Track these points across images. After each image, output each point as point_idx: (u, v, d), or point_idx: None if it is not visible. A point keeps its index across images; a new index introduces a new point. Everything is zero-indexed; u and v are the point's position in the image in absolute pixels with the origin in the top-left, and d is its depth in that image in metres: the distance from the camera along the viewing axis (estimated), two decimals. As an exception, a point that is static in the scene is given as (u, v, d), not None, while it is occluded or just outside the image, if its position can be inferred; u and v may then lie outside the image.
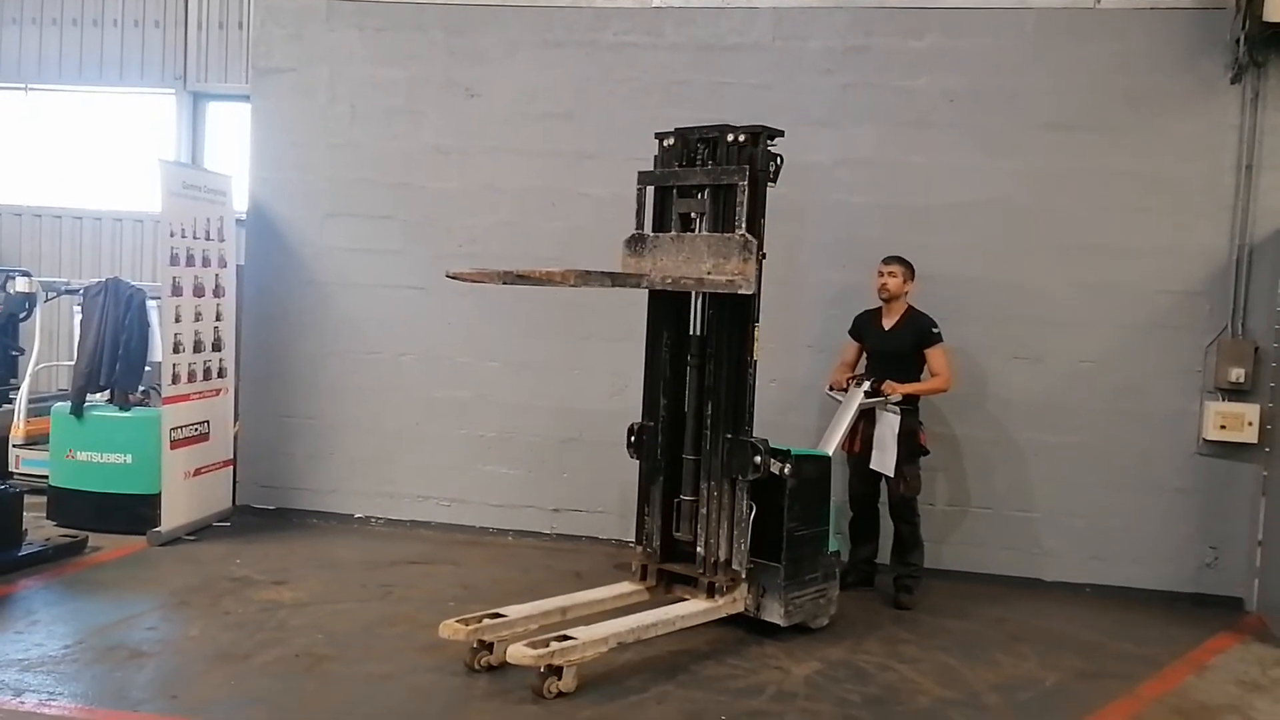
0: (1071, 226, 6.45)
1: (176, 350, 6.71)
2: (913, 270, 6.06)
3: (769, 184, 5.21)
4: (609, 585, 5.46)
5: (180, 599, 5.64)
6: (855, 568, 6.23)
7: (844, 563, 5.97)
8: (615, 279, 5.04)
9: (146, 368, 7.26)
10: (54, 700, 4.31)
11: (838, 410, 5.90)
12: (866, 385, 5.87)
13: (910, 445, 5.92)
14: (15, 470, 7.48)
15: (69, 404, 6.96)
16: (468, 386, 7.20)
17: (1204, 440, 6.33)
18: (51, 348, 8.42)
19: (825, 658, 5.13)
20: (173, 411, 6.70)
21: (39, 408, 7.62)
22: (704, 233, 5.29)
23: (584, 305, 6.77)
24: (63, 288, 7.96)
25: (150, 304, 7.16)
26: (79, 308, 7.28)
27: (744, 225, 5.06)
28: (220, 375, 7.19)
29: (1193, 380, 6.37)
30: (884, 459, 5.85)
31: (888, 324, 6.09)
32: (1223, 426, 6.24)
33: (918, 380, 5.98)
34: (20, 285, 7.73)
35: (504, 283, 4.74)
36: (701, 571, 5.25)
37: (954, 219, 6.55)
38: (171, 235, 6.68)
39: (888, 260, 6.05)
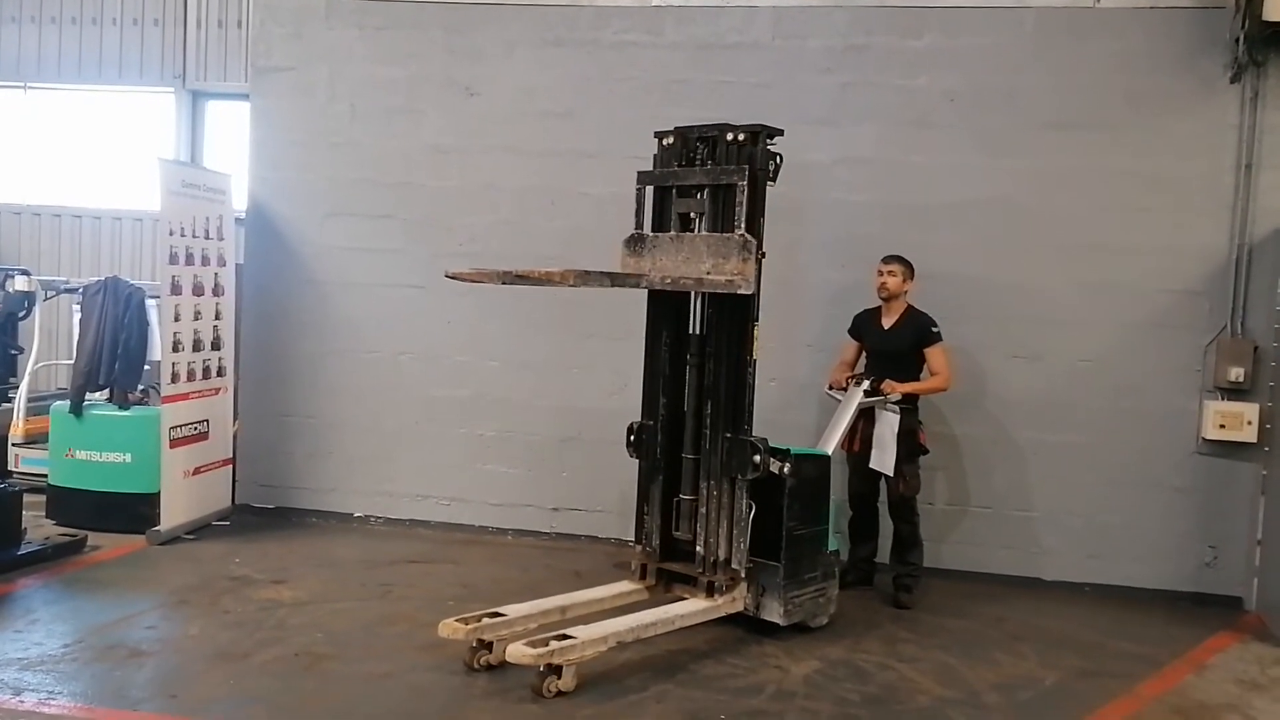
0: (1071, 226, 6.45)
1: (176, 349, 6.71)
2: (912, 269, 6.06)
3: (768, 183, 5.21)
4: (608, 584, 5.46)
5: (179, 598, 5.64)
6: (855, 567, 6.23)
7: (843, 562, 5.97)
8: (615, 279, 5.04)
9: (146, 366, 7.27)
10: (53, 699, 4.31)
11: (837, 409, 5.90)
12: (866, 384, 5.86)
13: (910, 444, 5.92)
14: (14, 469, 7.48)
15: (68, 403, 6.95)
16: (467, 385, 7.20)
17: (1203, 439, 6.33)
18: (51, 346, 8.41)
19: (825, 657, 5.13)
20: (172, 410, 6.70)
21: (38, 406, 7.62)
22: (703, 232, 5.29)
23: (583, 304, 6.77)
24: (62, 286, 7.97)
25: (149, 303, 7.16)
26: (78, 306, 7.28)
27: (743, 225, 5.06)
28: (219, 374, 7.19)
29: (1192, 379, 6.37)
30: (883, 458, 5.85)
31: (887, 323, 6.09)
32: (1222, 426, 6.24)
33: (917, 379, 5.98)
34: (19, 284, 7.76)
35: (503, 283, 4.74)
36: (701, 570, 5.25)
37: (953, 218, 6.55)
38: (171, 234, 6.68)
39: (887, 259, 6.05)
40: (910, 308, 6.07)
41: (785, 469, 5.24)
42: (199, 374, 6.96)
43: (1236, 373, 6.23)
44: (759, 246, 5.09)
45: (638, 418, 5.52)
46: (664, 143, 5.45)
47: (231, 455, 7.37)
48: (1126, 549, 6.46)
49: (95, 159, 9.87)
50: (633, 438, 5.52)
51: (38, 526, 6.54)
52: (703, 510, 5.26)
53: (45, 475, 7.07)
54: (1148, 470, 6.42)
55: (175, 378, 6.71)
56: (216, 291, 7.13)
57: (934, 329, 5.97)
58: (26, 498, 6.34)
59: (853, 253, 6.52)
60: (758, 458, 5.10)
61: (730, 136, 5.20)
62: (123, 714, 4.24)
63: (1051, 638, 5.60)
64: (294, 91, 7.34)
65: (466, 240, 7.10)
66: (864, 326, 6.18)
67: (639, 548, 5.52)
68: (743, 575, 5.22)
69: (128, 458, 6.82)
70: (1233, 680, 5.12)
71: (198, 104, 9.76)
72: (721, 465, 5.19)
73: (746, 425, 5.18)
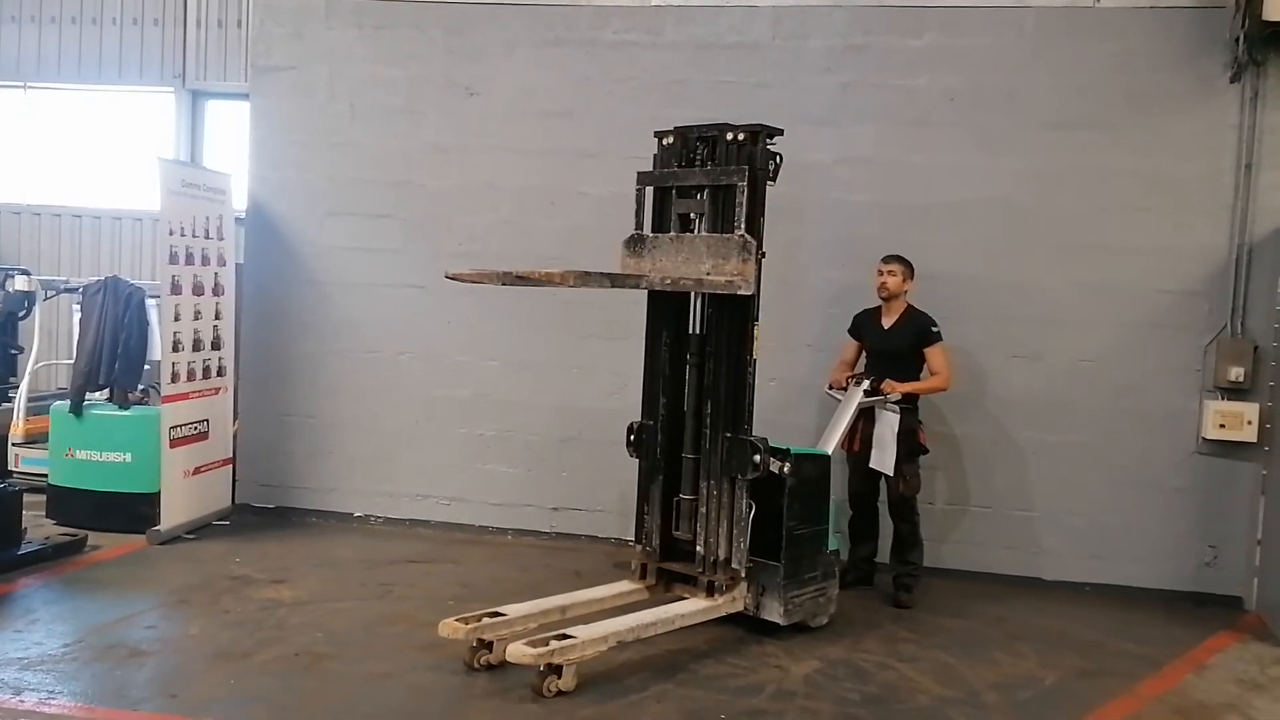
0: (1071, 225, 6.45)
1: (176, 349, 6.71)
2: (912, 269, 6.06)
3: (768, 183, 5.21)
4: (608, 584, 5.46)
5: (180, 597, 5.64)
6: (855, 566, 6.23)
7: (843, 561, 5.97)
8: (615, 280, 5.05)
9: (146, 366, 7.27)
10: (53, 699, 4.31)
11: (837, 409, 5.90)
12: (866, 384, 5.87)
13: (910, 444, 5.93)
14: (15, 469, 7.49)
15: (68, 402, 6.95)
16: (467, 385, 7.20)
17: (1203, 439, 6.33)
18: (51, 346, 8.41)
19: (824, 656, 5.13)
20: (172, 410, 6.70)
21: (38, 406, 7.62)
22: (703, 233, 5.28)
23: (583, 304, 6.77)
24: (62, 286, 7.97)
25: (149, 302, 7.16)
26: (78, 306, 7.28)
27: (743, 225, 5.05)
28: (219, 374, 7.19)
29: (1192, 379, 6.37)
30: (883, 458, 5.85)
31: (887, 323, 6.09)
32: (1222, 425, 6.24)
33: (917, 379, 5.98)
34: (19, 284, 7.76)
35: (503, 284, 4.74)
36: (701, 570, 5.25)
37: (953, 218, 6.55)
38: (171, 234, 6.68)
39: (887, 259, 6.05)
40: (910, 307, 6.07)
41: (785, 469, 5.24)
42: (199, 374, 6.96)
43: (1236, 372, 6.23)
44: (759, 246, 5.09)
45: (638, 417, 5.52)
46: (664, 142, 5.45)
47: (231, 455, 7.37)
48: (1127, 549, 6.46)
49: (95, 159, 9.87)
50: (633, 437, 5.52)
51: (38, 526, 6.54)
52: (703, 510, 5.25)
53: (45, 475, 7.07)
54: (1148, 470, 6.42)
55: (175, 377, 6.71)
56: (216, 291, 7.13)
57: (934, 329, 5.97)
58: (27, 497, 6.34)
59: (853, 252, 6.52)
60: (758, 457, 5.10)
61: (730, 136, 5.20)
62: (123, 713, 4.24)
63: (1051, 637, 5.60)
64: (294, 91, 7.34)
65: (466, 240, 7.10)
66: (864, 326, 6.18)
67: (639, 547, 5.52)
68: (743, 575, 5.22)
69: (128, 457, 6.82)
70: (1233, 680, 5.12)
71: (198, 103, 9.76)
72: (721, 465, 5.19)
73: (746, 425, 5.18)
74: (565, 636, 4.56)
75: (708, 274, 5.13)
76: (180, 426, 6.76)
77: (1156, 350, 6.39)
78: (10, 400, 7.80)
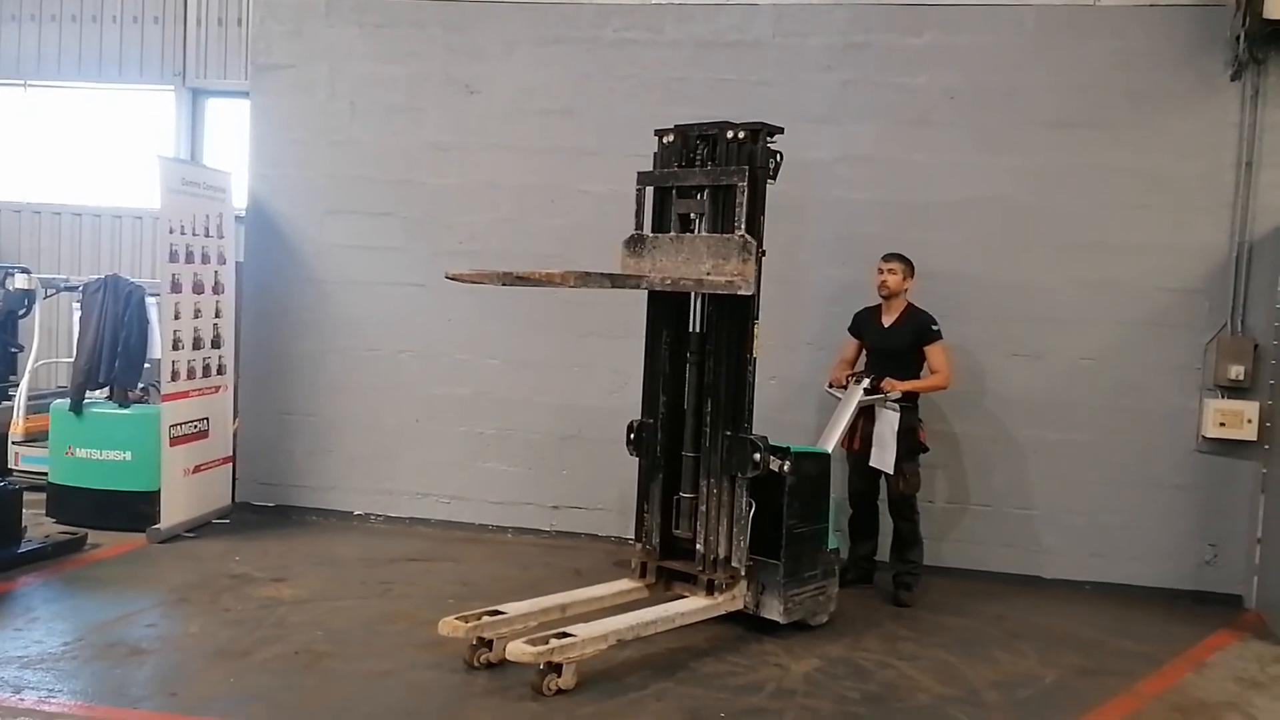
0: (1071, 224, 6.45)
1: (176, 347, 6.71)
2: (912, 267, 6.06)
3: (769, 181, 5.21)
4: (608, 582, 5.46)
5: (180, 596, 5.64)
6: (854, 565, 6.23)
7: (843, 560, 5.97)
8: (615, 280, 5.04)
9: (146, 364, 7.27)
10: (53, 697, 4.31)
11: (837, 407, 5.90)
12: (866, 382, 5.87)
13: (910, 442, 5.92)
14: (15, 467, 7.49)
15: (68, 401, 6.96)
16: (467, 384, 7.20)
17: (1203, 437, 6.33)
18: (51, 345, 8.40)
19: (824, 655, 5.13)
20: (172, 408, 6.70)
21: (38, 405, 7.62)
22: (703, 233, 5.28)
23: (583, 303, 6.77)
24: (62, 284, 7.96)
25: (149, 301, 7.16)
26: (78, 304, 7.28)
27: (743, 225, 5.05)
28: (220, 372, 7.19)
29: (1192, 377, 6.37)
30: (883, 456, 5.85)
31: (887, 321, 6.09)
32: (1222, 424, 6.24)
33: (917, 377, 5.98)
34: (19, 282, 7.75)
35: (503, 284, 4.74)
36: (701, 569, 5.25)
37: (954, 216, 6.55)
38: (171, 232, 6.68)
39: (887, 257, 6.05)
40: (910, 306, 6.07)
41: (785, 467, 5.24)
42: (199, 372, 6.96)
43: (1236, 371, 6.23)
44: (759, 246, 5.08)
45: (638, 416, 5.52)
46: (664, 141, 5.45)
47: (231, 453, 7.37)
48: (1126, 547, 6.46)
49: (95, 157, 9.86)
50: (633, 436, 5.52)
51: (38, 524, 6.54)
52: (703, 508, 5.25)
53: (45, 473, 7.07)
54: (1148, 468, 6.42)
55: (175, 375, 6.71)
56: (216, 289, 7.13)
57: (934, 327, 5.97)
58: (27, 496, 6.33)
59: (853, 251, 6.51)
60: (758, 456, 5.10)
61: (730, 134, 5.19)
62: (123, 712, 4.24)
63: (1051, 636, 5.60)
64: (294, 89, 7.34)
65: (466, 238, 7.10)
66: (864, 324, 6.18)
67: (639, 546, 5.52)
68: (743, 573, 5.22)
69: (128, 456, 6.82)
70: (1232, 678, 5.12)
71: (198, 102, 9.75)
72: (721, 463, 5.19)
73: (746, 423, 5.18)
74: (565, 635, 4.57)
75: (708, 274, 5.13)
76: (180, 425, 6.76)
77: (1157, 348, 6.39)
78: (10, 398, 7.80)
